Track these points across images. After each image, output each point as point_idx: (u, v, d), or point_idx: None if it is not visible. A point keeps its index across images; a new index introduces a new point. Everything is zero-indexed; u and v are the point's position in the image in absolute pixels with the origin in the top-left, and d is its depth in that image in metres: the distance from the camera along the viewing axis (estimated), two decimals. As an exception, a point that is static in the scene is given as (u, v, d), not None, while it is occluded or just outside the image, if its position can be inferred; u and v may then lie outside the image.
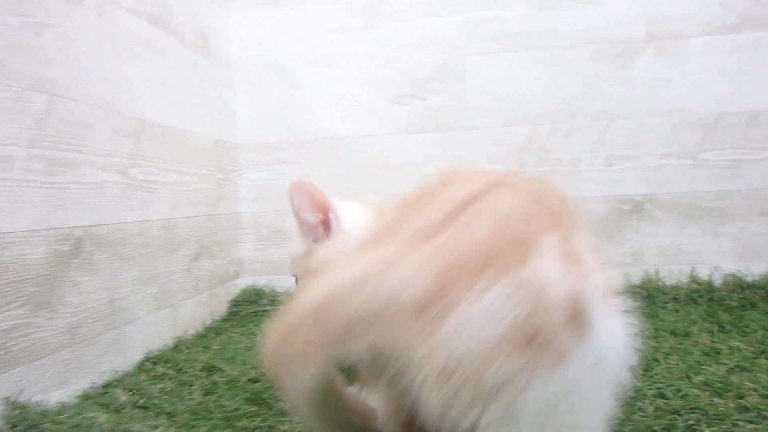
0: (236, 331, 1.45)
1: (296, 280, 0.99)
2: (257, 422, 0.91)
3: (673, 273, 1.60)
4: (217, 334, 1.43)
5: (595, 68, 1.63)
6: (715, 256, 1.60)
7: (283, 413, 0.93)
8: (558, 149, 1.64)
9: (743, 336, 1.21)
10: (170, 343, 1.32)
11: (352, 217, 0.90)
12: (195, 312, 1.47)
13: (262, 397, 1.00)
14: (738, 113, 1.59)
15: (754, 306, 1.44)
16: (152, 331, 1.27)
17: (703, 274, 1.58)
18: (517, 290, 0.49)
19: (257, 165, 1.76)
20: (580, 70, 1.63)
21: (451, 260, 0.50)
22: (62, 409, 0.94)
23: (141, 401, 0.99)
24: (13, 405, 0.89)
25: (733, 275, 1.55)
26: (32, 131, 0.97)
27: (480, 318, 0.48)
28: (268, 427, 0.89)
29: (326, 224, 0.91)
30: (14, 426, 0.84)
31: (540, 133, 1.64)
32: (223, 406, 0.97)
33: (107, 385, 1.08)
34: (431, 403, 0.49)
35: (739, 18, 1.58)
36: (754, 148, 1.59)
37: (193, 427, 0.89)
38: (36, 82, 0.98)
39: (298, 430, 0.88)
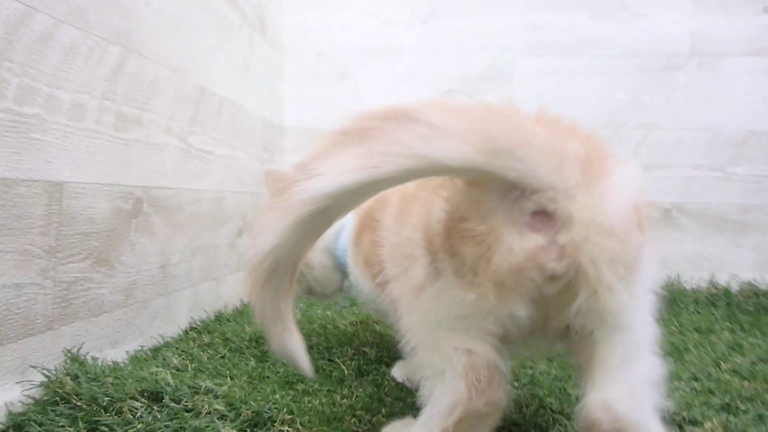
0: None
1: None
2: (316, 386, 0.85)
3: (694, 278, 1.58)
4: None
5: (639, 80, 1.60)
6: (734, 266, 1.57)
7: (341, 380, 0.87)
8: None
9: (763, 335, 1.23)
10: (212, 315, 1.25)
11: None
12: (235, 288, 1.40)
13: (316, 365, 0.93)
14: (766, 132, 1.56)
15: (767, 311, 1.45)
16: (197, 301, 1.20)
17: (722, 281, 1.55)
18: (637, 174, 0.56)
19: (301, 150, 1.70)
20: (624, 80, 1.60)
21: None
22: (117, 366, 0.86)
23: (193, 365, 0.92)
24: (74, 358, 0.81)
25: (749, 283, 1.55)
26: (105, 83, 0.89)
27: (623, 186, 0.53)
28: (327, 391, 0.83)
29: None
30: (75, 377, 0.77)
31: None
32: (278, 372, 0.90)
33: (156, 349, 1.00)
34: (593, 257, 0.50)
35: (777, 41, 1.55)
36: (780, 166, 1.57)
37: (256, 387, 0.82)
38: (113, 34, 0.91)
39: (356, 395, 0.81)
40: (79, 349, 0.83)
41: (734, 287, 1.53)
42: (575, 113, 1.68)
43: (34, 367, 0.76)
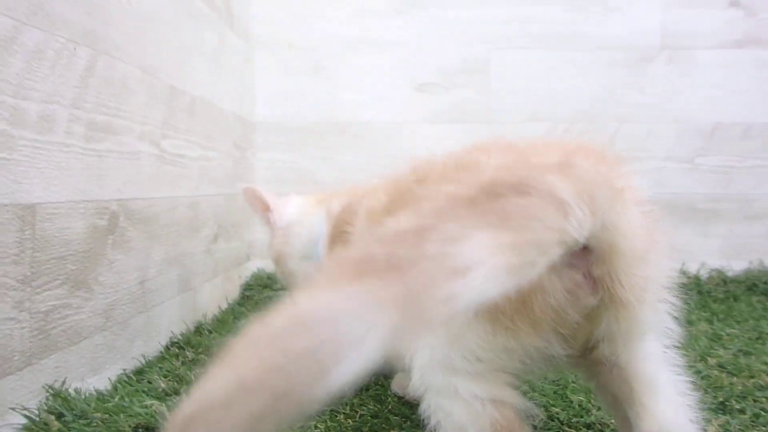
0: (253, 315, 1.32)
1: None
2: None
3: (665, 267, 1.63)
4: (236, 318, 1.30)
5: (613, 73, 1.61)
6: (703, 254, 1.62)
7: (341, 396, 0.85)
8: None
9: (737, 323, 1.27)
10: (191, 326, 1.18)
11: (290, 212, 0.99)
12: (212, 295, 1.33)
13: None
14: (733, 124, 1.61)
15: (736, 298, 1.51)
16: (176, 314, 1.13)
17: (692, 269, 1.60)
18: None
19: (274, 145, 1.63)
20: (599, 73, 1.61)
21: None
22: (102, 396, 0.80)
23: (182, 388, 0.86)
24: (56, 393, 0.74)
25: (718, 270, 1.60)
26: (75, 89, 0.81)
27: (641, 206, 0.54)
28: (330, 411, 0.80)
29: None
30: (60, 416, 0.71)
31: (557, 131, 1.61)
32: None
33: (140, 371, 0.94)
34: (630, 285, 0.49)
35: (742, 35, 1.59)
36: (744, 156, 1.62)
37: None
38: (81, 35, 0.82)
39: (360, 413, 0.79)
40: (63, 383, 0.76)
41: (704, 275, 1.58)
42: (552, 106, 1.70)
43: (13, 408, 0.69)
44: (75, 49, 0.81)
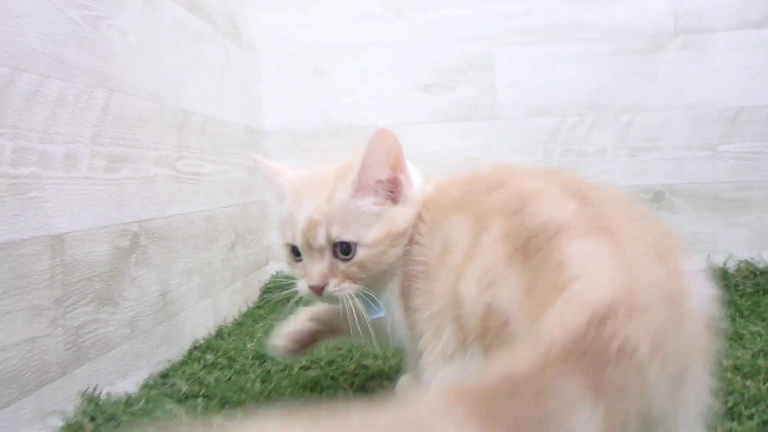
0: (273, 317, 1.47)
1: (309, 251, 0.79)
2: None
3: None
4: (255, 321, 1.45)
5: (622, 61, 1.65)
6: (729, 245, 1.65)
7: (345, 401, 0.97)
8: (583, 140, 1.67)
9: (762, 321, 1.28)
10: (213, 331, 1.34)
11: (419, 185, 0.82)
12: (232, 300, 1.49)
13: (321, 385, 1.02)
14: (758, 107, 1.62)
15: (766, 292, 1.51)
16: (198, 320, 1.29)
17: (719, 261, 1.62)
18: None
19: (285, 152, 1.76)
20: (606, 63, 1.65)
21: None
22: (130, 399, 0.96)
23: (202, 391, 1.01)
24: (89, 399, 0.90)
25: (746, 261, 1.61)
26: (94, 128, 0.96)
27: None
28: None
29: (395, 186, 0.79)
30: (93, 419, 0.86)
31: (566, 125, 1.67)
32: (283, 395, 0.99)
33: (164, 375, 1.09)
34: None
35: (761, 15, 1.60)
36: (771, 141, 1.63)
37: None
38: (96, 78, 0.97)
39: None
40: (94, 389, 0.93)
41: (731, 267, 1.60)
42: (559, 100, 1.76)
43: (52, 414, 0.85)
44: (92, 92, 0.96)
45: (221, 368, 1.13)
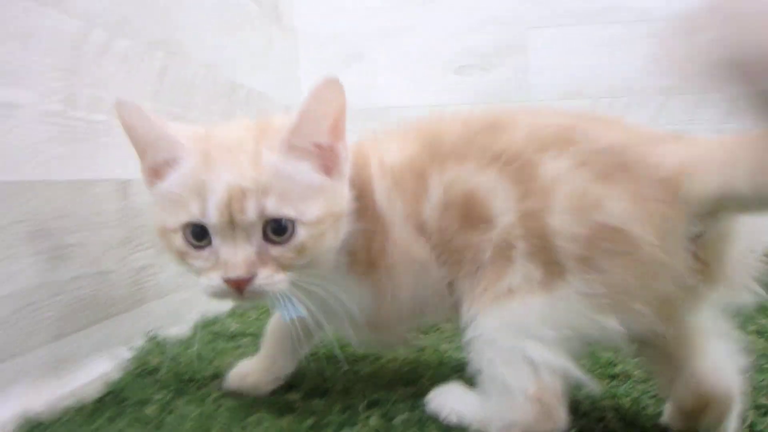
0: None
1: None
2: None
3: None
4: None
5: (656, 44, 1.70)
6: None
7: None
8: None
9: None
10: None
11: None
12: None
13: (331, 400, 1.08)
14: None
15: None
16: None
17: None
18: None
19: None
20: (640, 45, 1.70)
21: None
22: (186, 341, 1.03)
23: (249, 329, 1.10)
24: (150, 337, 0.98)
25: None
26: (154, 86, 1.05)
27: None
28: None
29: (332, 158, 0.67)
30: (156, 354, 0.94)
31: (599, 107, 1.72)
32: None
33: (212, 322, 1.17)
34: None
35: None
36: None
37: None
38: (157, 41, 1.06)
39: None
40: (155, 328, 1.01)
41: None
42: (592, 82, 1.80)
43: (119, 345, 0.93)
44: (153, 53, 1.05)
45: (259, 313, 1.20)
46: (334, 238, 0.65)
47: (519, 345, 0.62)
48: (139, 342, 0.97)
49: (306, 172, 0.63)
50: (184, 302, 1.12)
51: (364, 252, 0.69)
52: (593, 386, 0.65)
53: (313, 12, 1.84)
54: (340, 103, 0.66)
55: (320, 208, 0.63)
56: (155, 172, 0.65)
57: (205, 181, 0.60)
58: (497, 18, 1.76)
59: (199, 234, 0.61)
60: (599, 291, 0.59)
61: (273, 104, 1.63)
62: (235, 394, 0.84)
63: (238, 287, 0.60)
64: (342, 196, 0.66)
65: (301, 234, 0.61)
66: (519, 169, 0.63)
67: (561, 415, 0.63)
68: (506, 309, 0.63)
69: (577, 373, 0.63)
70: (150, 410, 0.78)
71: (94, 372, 0.87)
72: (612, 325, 0.59)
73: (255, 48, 1.52)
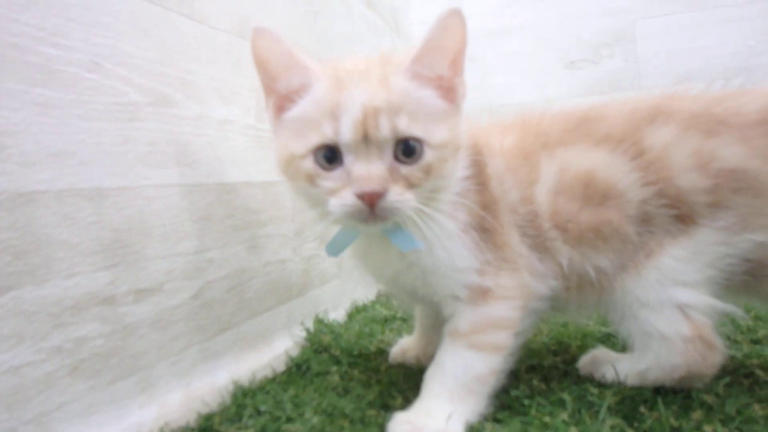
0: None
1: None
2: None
3: None
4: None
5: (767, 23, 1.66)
6: None
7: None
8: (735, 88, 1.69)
9: None
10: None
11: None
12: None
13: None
14: None
15: None
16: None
17: None
18: None
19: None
20: (752, 26, 1.67)
21: None
22: (346, 323, 1.14)
23: (396, 314, 1.20)
24: (319, 320, 1.10)
25: None
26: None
27: None
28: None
29: (450, 91, 0.69)
30: (327, 333, 1.05)
31: (713, 89, 1.70)
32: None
33: (362, 309, 1.27)
34: None
35: None
36: None
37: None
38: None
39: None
40: (323, 312, 1.12)
41: None
42: (704, 65, 1.78)
43: (296, 324, 1.05)
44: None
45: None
46: (453, 167, 0.67)
47: (667, 295, 0.69)
48: (309, 323, 1.09)
49: (431, 97, 0.65)
50: (339, 290, 1.24)
51: (478, 218, 0.72)
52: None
53: (426, 20, 1.93)
54: (462, 35, 0.66)
55: (444, 132, 0.64)
56: (284, 102, 0.66)
57: (339, 102, 0.61)
58: (605, 11, 1.77)
59: (330, 157, 0.62)
60: (732, 221, 0.68)
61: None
62: (402, 366, 0.93)
63: (371, 202, 0.60)
64: (461, 129, 0.68)
65: (428, 155, 0.63)
66: (629, 147, 0.72)
67: (719, 348, 0.71)
68: (651, 267, 0.71)
69: (724, 307, 0.71)
70: (333, 379, 0.89)
71: (280, 347, 0.98)
72: (748, 239, 0.68)
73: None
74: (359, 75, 0.64)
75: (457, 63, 0.67)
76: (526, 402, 0.75)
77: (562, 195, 0.74)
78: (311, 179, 0.63)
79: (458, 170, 0.70)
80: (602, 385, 0.79)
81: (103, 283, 0.65)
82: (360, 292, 1.33)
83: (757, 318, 1.02)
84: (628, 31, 1.76)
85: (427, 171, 0.63)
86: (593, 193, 0.73)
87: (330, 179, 0.62)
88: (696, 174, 0.69)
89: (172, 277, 0.75)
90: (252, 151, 0.94)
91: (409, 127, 0.62)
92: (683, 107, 0.73)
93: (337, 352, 0.99)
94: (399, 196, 0.61)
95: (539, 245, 0.74)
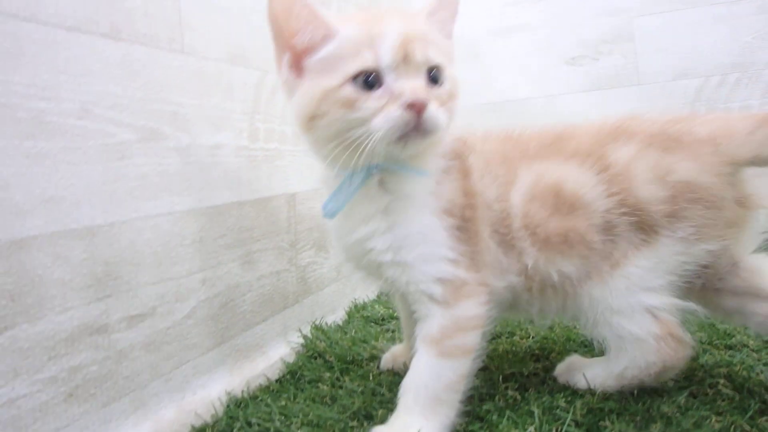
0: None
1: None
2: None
3: None
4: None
5: (764, 20, 1.62)
6: None
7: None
8: (728, 99, 1.67)
9: None
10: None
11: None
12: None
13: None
14: None
15: None
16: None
17: None
18: None
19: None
20: (747, 22, 1.63)
21: None
22: (343, 327, 1.18)
23: (394, 313, 1.23)
24: (315, 326, 1.14)
25: None
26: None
27: None
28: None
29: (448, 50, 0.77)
30: (322, 340, 1.09)
31: (710, 85, 1.67)
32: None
33: (360, 309, 1.31)
34: None
35: None
36: None
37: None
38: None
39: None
40: (319, 318, 1.16)
41: None
42: (702, 61, 1.75)
43: (293, 332, 1.09)
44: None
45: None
46: (453, 113, 0.73)
47: (636, 300, 0.75)
48: (306, 329, 1.13)
49: (442, 40, 0.74)
50: (338, 293, 1.27)
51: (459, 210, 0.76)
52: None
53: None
54: (457, 6, 0.77)
55: (452, 71, 0.73)
56: (301, 55, 0.70)
57: (377, 32, 0.67)
58: (604, 10, 1.75)
59: (370, 82, 0.66)
60: (689, 231, 0.73)
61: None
62: (390, 372, 0.97)
63: (420, 111, 0.65)
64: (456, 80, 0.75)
65: (448, 84, 0.71)
66: (595, 162, 0.77)
67: (688, 341, 0.76)
68: (618, 276, 0.76)
69: (686, 305, 0.76)
70: (323, 387, 0.92)
71: (275, 355, 1.02)
72: (703, 248, 0.74)
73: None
74: (388, 14, 0.71)
75: (452, 23, 0.77)
76: (494, 418, 0.78)
77: (535, 201, 0.78)
78: (351, 104, 0.66)
79: (450, 124, 0.74)
80: (574, 395, 0.81)
81: (96, 314, 0.69)
82: (359, 292, 1.36)
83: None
84: (626, 29, 1.74)
85: (449, 96, 0.71)
86: (562, 203, 0.77)
87: (371, 99, 0.66)
88: (655, 186, 0.75)
89: (165, 301, 0.79)
90: (244, 172, 0.97)
91: (436, 56, 0.69)
92: (641, 128, 0.79)
93: (332, 358, 1.03)
94: (437, 110, 0.67)
95: (506, 242, 0.78)
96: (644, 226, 0.75)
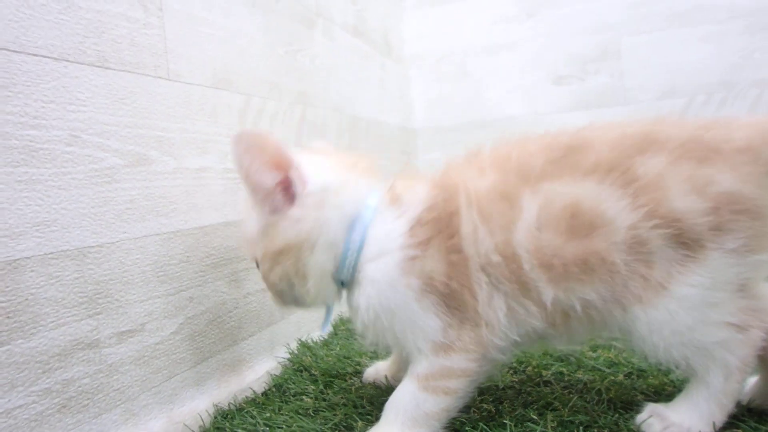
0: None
1: (257, 265, 0.83)
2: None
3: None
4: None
5: (748, 39, 1.68)
6: None
7: None
8: (713, 117, 1.72)
9: None
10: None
11: (321, 172, 0.78)
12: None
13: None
14: None
15: None
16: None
17: None
18: None
19: (432, 146, 2.00)
20: (733, 41, 1.69)
21: None
22: (327, 343, 1.23)
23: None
24: (301, 343, 1.19)
25: None
26: (296, 132, 1.25)
27: None
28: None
29: (287, 187, 0.76)
30: (307, 355, 1.14)
31: (695, 104, 1.73)
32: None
33: (346, 322, 1.35)
34: None
35: None
36: None
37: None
38: (297, 96, 1.26)
39: None
40: (305, 335, 1.21)
41: None
42: (688, 81, 1.82)
43: (279, 347, 1.14)
44: (294, 107, 1.25)
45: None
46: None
47: (703, 317, 0.71)
48: (293, 344, 1.17)
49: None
50: (322, 311, 1.32)
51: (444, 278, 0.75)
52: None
53: (419, 37, 1.99)
54: (263, 144, 0.76)
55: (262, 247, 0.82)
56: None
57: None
58: (591, 28, 1.81)
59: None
60: (739, 243, 0.70)
61: (389, 128, 1.80)
62: (372, 386, 1.01)
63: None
64: (285, 226, 0.77)
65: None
66: (619, 176, 0.71)
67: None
68: (671, 297, 0.71)
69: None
70: (307, 400, 0.97)
71: (261, 369, 1.07)
72: (757, 259, 0.71)
73: (371, 83, 1.69)
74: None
75: (281, 162, 0.78)
76: (467, 429, 0.82)
77: (546, 230, 0.73)
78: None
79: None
80: (546, 408, 0.86)
81: (87, 330, 0.74)
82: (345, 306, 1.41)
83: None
84: (613, 48, 1.79)
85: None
86: (579, 224, 0.72)
87: None
88: (694, 197, 0.71)
89: (153, 318, 0.84)
90: (230, 194, 1.02)
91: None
92: (671, 136, 0.74)
93: (316, 372, 1.07)
94: None
95: (521, 288, 0.75)
96: (686, 240, 0.70)
